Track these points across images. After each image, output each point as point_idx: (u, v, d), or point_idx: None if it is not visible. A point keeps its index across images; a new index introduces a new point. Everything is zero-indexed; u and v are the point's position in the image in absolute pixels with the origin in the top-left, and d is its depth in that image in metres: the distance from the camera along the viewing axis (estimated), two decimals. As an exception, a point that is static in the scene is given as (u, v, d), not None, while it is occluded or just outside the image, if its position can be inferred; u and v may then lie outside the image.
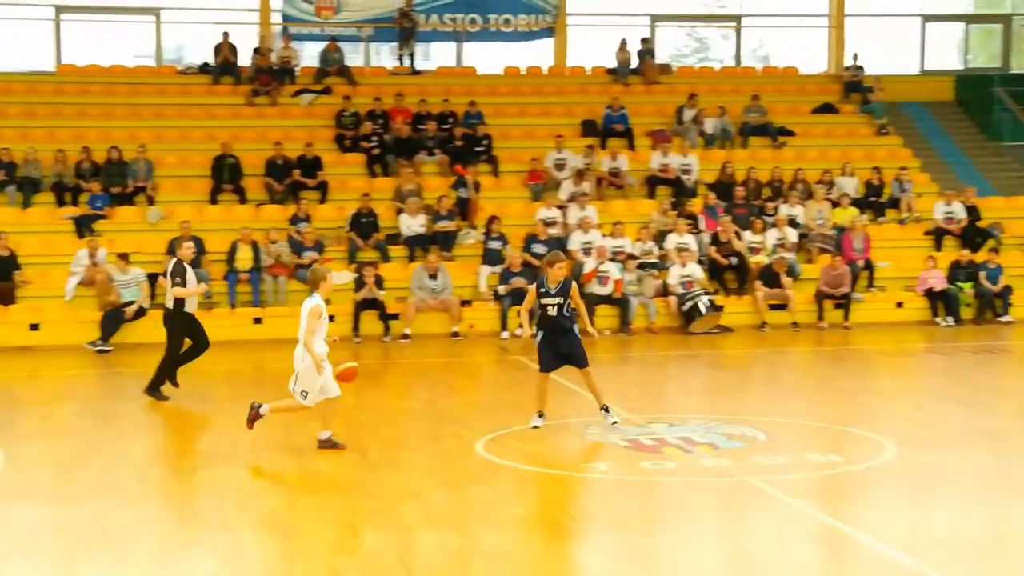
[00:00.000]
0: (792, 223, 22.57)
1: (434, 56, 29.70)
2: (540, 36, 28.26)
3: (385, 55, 28.70)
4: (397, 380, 16.51)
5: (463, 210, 22.46)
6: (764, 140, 25.77)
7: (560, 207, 22.55)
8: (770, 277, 21.08)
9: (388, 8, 27.22)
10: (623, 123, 25.29)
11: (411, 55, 27.33)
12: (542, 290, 11.81)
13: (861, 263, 21.88)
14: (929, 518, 8.94)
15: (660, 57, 28.87)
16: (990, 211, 23.68)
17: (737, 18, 30.14)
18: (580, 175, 23.16)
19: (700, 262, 21.51)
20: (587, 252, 21.29)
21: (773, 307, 21.00)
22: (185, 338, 13.84)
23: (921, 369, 17.54)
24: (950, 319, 21.05)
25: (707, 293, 20.65)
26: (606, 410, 11.82)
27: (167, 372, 13.85)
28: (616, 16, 29.51)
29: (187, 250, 13.85)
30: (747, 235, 22.06)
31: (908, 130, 27.19)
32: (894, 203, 23.89)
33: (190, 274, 13.70)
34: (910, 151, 26.04)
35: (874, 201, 23.89)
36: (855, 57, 27.82)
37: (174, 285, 13.52)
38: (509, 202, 23.23)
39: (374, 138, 24.05)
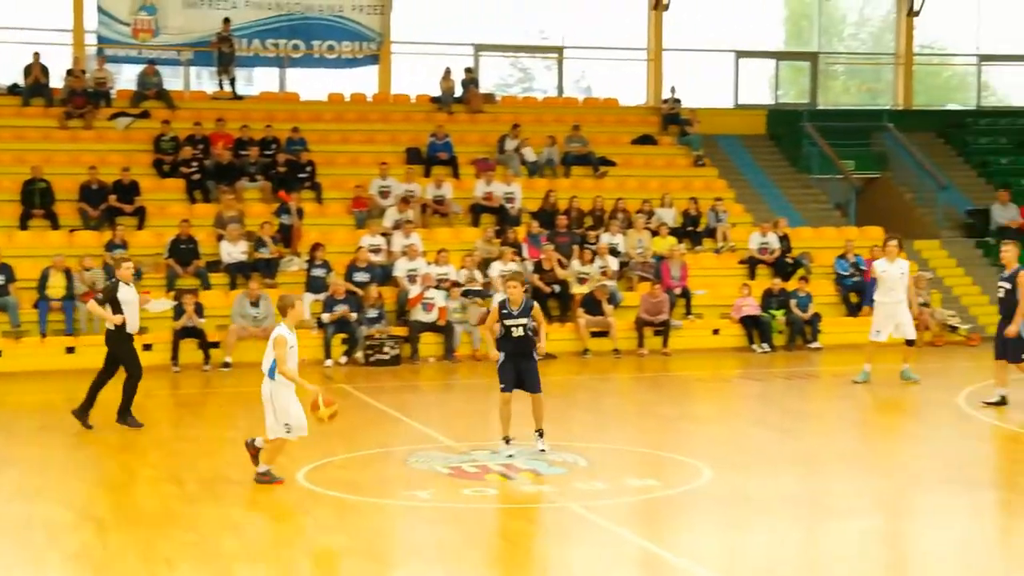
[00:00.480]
0: (613, 251, 23.00)
1: (256, 81, 29.31)
2: (364, 63, 28.20)
3: (206, 79, 28.20)
4: (217, 410, 16.17)
5: (286, 237, 22.19)
6: (586, 170, 26.22)
7: (384, 234, 22.49)
8: (592, 305, 21.41)
9: (207, 32, 26.76)
10: (447, 151, 25.40)
11: (232, 80, 26.91)
12: (504, 311, 11.80)
13: (679, 291, 22.43)
14: (744, 541, 9.19)
15: (484, 86, 29.13)
16: (800, 241, 24.55)
17: (559, 49, 30.64)
18: (405, 202, 23.16)
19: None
20: (412, 279, 21.28)
21: (595, 334, 21.33)
22: (120, 362, 13.70)
23: (736, 394, 18.04)
24: (764, 345, 21.73)
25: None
26: (540, 434, 11.87)
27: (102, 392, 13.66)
28: (440, 45, 29.67)
29: (126, 271, 13.88)
30: (575, 264, 22.37)
31: (723, 162, 28.03)
32: (710, 233, 24.57)
33: (123, 294, 13.60)
34: (725, 182, 26.84)
35: (691, 230, 24.52)
36: (673, 90, 28.58)
37: (95, 301, 13.88)
38: (333, 229, 23.05)
39: (194, 163, 23.57)
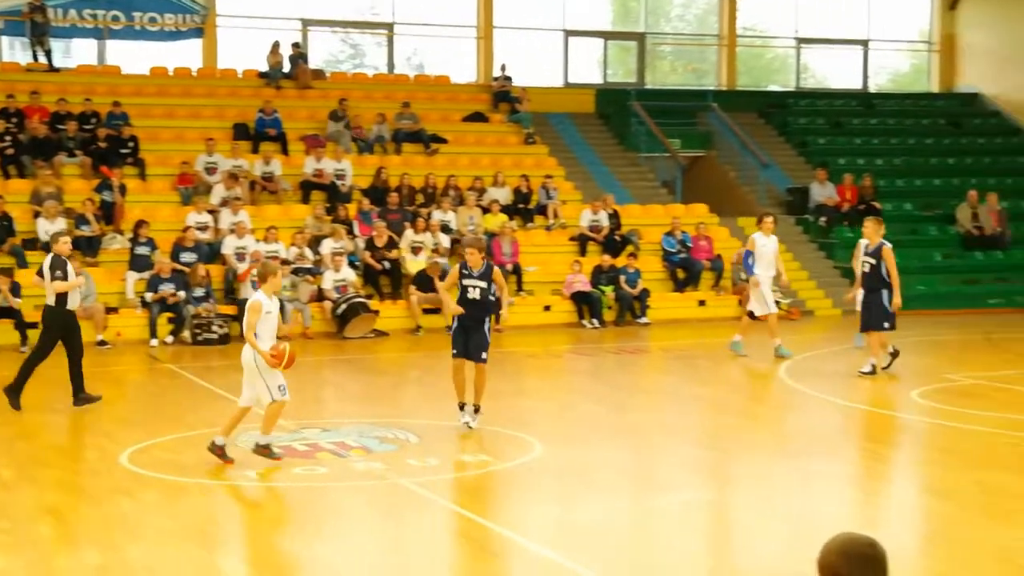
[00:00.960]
0: (445, 228, 22.97)
1: (75, 53, 28.27)
2: (188, 36, 27.43)
3: (20, 50, 27.06)
4: (37, 392, 15.54)
5: (108, 214, 21.50)
6: (417, 147, 26.10)
7: (212, 212, 21.98)
8: (424, 282, 21.35)
9: (18, 0, 25.64)
10: (276, 127, 24.95)
11: (47, 51, 25.86)
12: (464, 271, 11.84)
13: (510, 268, 22.53)
14: (573, 513, 9.27)
15: (313, 62, 28.70)
16: (628, 218, 24.93)
17: (389, 26, 30.38)
18: (232, 179, 22.67)
19: (355, 267, 21.53)
20: (240, 257, 20.86)
21: (427, 311, 21.28)
22: (58, 339, 13.29)
23: (567, 370, 18.23)
24: (595, 321, 22.01)
25: (360, 297, 20.69)
26: (477, 410, 11.96)
27: (27, 374, 13.27)
28: (268, 19, 29.11)
29: (63, 245, 13.47)
30: (408, 234, 22.26)
31: (553, 140, 28.25)
32: (541, 210, 24.75)
33: (69, 268, 13.27)
34: (555, 160, 27.06)
35: (522, 208, 24.67)
36: (503, 68, 28.66)
37: (54, 279, 13.09)
38: (157, 206, 22.42)
39: (7, 138, 22.60)
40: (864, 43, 33.94)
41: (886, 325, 15.43)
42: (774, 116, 31.19)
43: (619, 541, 8.58)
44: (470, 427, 11.87)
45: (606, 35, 32.20)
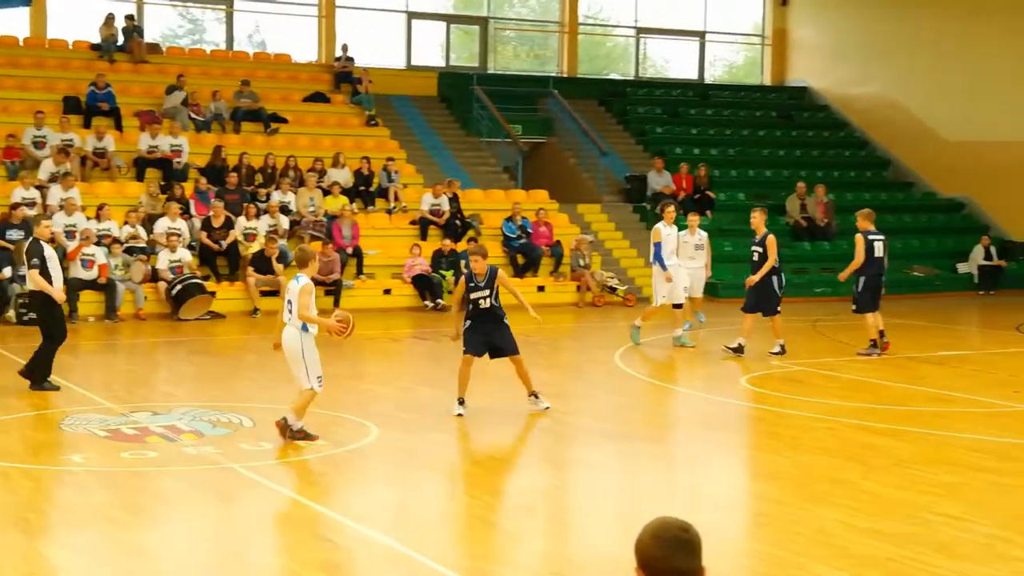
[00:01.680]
0: (284, 210, 22.68)
1: None
2: (15, 4, 26.36)
3: None
4: None
5: (-73, 188, 20.63)
6: (257, 126, 25.70)
7: (40, 187, 21.26)
8: (262, 263, 21.05)
9: None
10: (109, 102, 24.25)
11: None
12: (471, 284, 11.93)
13: (350, 250, 22.39)
14: (408, 497, 9.29)
15: (149, 36, 27.98)
16: (470, 203, 25.02)
17: (229, 1, 29.79)
18: (63, 153, 21.96)
19: (191, 247, 21.11)
20: (70, 235, 20.24)
21: (265, 293, 21.00)
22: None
23: (407, 353, 18.21)
24: (438, 302, 22.05)
25: (196, 278, 20.30)
26: (535, 396, 12.16)
27: (48, 359, 12.86)
28: (102, -10, 28.26)
29: (45, 228, 13.12)
30: (241, 221, 21.90)
31: (395, 122, 28.14)
32: (382, 193, 24.65)
33: (48, 252, 12.78)
34: (397, 143, 26.96)
35: (363, 190, 24.52)
36: (345, 48, 28.40)
37: (31, 267, 12.62)
38: (-19, 181, 21.62)
39: None
40: (701, 35, 34.69)
41: (779, 309, 16.50)
42: (614, 104, 31.65)
43: (454, 525, 8.63)
44: (547, 407, 12.20)
45: (449, 18, 32.18)
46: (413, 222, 24.09)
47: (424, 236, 23.75)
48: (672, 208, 17.54)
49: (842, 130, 32.95)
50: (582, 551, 8.10)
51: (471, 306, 12.08)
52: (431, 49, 31.85)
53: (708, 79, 35.06)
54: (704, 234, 18.76)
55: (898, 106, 31.30)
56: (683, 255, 17.83)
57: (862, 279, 16.68)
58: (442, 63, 31.71)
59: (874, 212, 17.44)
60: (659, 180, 27.53)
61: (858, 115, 32.76)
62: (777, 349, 16.40)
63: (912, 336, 19.27)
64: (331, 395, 13.67)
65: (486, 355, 12.18)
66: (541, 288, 23.59)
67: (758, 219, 16.62)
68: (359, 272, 22.48)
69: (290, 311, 10.30)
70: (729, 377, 15.02)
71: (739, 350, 16.29)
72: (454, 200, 24.42)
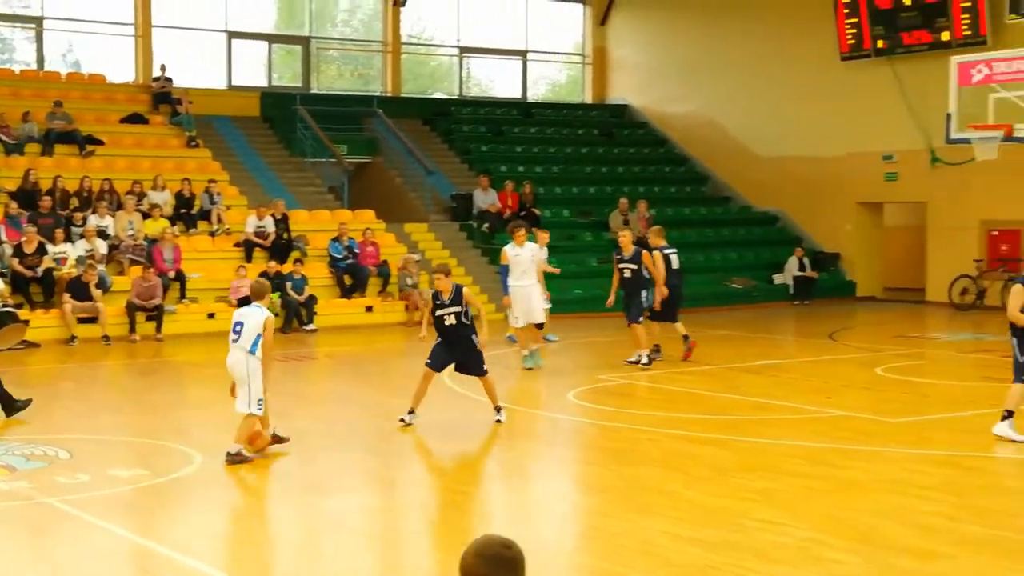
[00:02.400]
0: (102, 234, 22.07)
1: None
2: None
3: None
4: None
5: None
6: (71, 148, 24.94)
7: None
8: (79, 289, 20.43)
9: None
10: (-89, 125, 23.22)
11: None
12: (436, 302, 12.28)
13: (172, 274, 21.91)
14: (235, 525, 9.13)
15: (-46, 56, 26.93)
16: (295, 224, 24.75)
17: (39, 20, 28.87)
18: None
19: (2, 275, 20.34)
20: None
21: (83, 320, 20.38)
22: None
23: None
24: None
25: (8, 306, 19.56)
26: (497, 410, 12.63)
27: None
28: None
29: None
30: (49, 247, 21.19)
31: (217, 143, 27.68)
32: (205, 215, 24.19)
33: None
34: (219, 164, 26.51)
35: (185, 213, 24.03)
36: (163, 68, 27.82)
37: None
38: None
39: None
40: (523, 54, 35.11)
41: (640, 319, 17.11)
42: (438, 123, 31.78)
43: (282, 551, 8.51)
44: (500, 421, 12.60)
45: (270, 38, 31.82)
46: (237, 244, 23.71)
47: (249, 258, 23.39)
48: (522, 231, 17.29)
49: (662, 147, 33.76)
50: (410, 570, 8.09)
51: (437, 324, 12.45)
52: (252, 69, 31.43)
53: (531, 97, 35.49)
54: (546, 250, 19.32)
55: (715, 124, 32.24)
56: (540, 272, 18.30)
57: (648, 292, 17.46)
58: (264, 83, 31.33)
59: (664, 228, 18.54)
60: (485, 198, 27.73)
61: (677, 132, 33.62)
62: (636, 358, 16.95)
63: (732, 346, 19.83)
64: (152, 422, 13.38)
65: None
66: (369, 308, 23.50)
67: (627, 239, 17.24)
68: (182, 296, 22.00)
69: (238, 336, 10.68)
70: (556, 392, 15.20)
71: (653, 355, 17.13)
72: (282, 221, 24.12)
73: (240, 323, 10.77)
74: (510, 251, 17.22)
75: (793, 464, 10.79)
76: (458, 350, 12.50)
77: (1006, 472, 10.58)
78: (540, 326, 17.71)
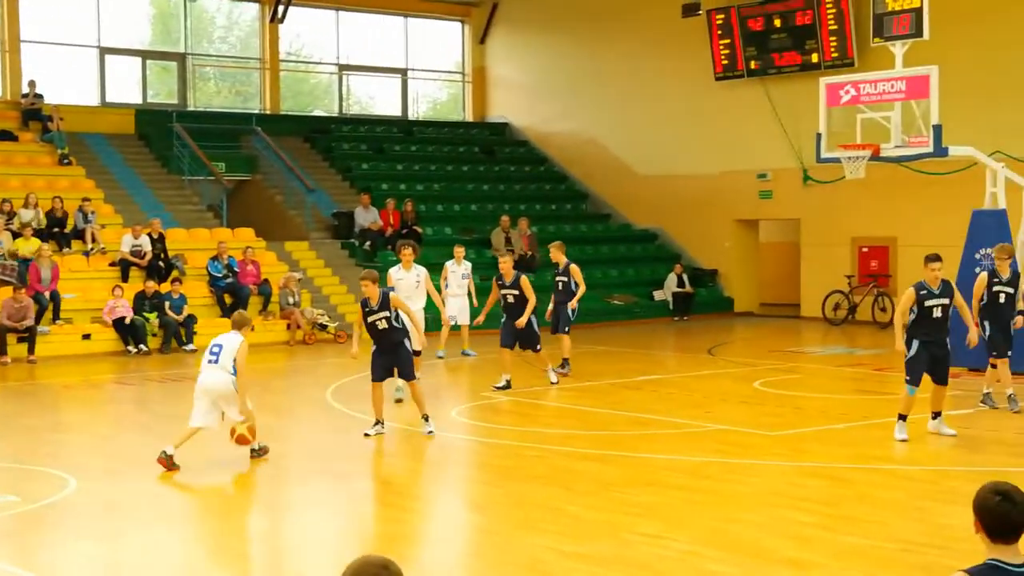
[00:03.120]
0: (-30, 254, 21.45)
1: None
2: None
3: None
4: None
5: None
6: (-63, 166, 24.23)
7: None
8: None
9: None
10: None
11: None
12: (365, 309, 12.63)
13: (46, 295, 21.39)
14: (113, 550, 8.94)
15: None
16: (173, 243, 24.37)
17: (-96, 34, 28.00)
18: None
19: None
20: None
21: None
22: None
23: (108, 400, 17.54)
24: (141, 347, 21.33)
25: None
26: (426, 419, 12.96)
27: None
28: None
29: None
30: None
31: (90, 161, 27.12)
32: (78, 234, 23.67)
33: None
34: (93, 182, 25.98)
35: (58, 232, 23.48)
36: (32, 84, 27.18)
37: None
38: None
39: None
40: (403, 72, 35.11)
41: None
42: (319, 141, 31.60)
43: (178, 571, 8.36)
44: (431, 432, 12.98)
45: (145, 54, 31.28)
46: (113, 264, 23.25)
47: (125, 278, 22.95)
48: (409, 250, 16.30)
49: (542, 165, 34.03)
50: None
51: (370, 330, 12.77)
52: (127, 86, 30.85)
53: (412, 116, 35.48)
54: (469, 264, 19.54)
55: (594, 142, 32.61)
56: (452, 285, 19.02)
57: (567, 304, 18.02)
58: (139, 100, 30.79)
59: (563, 244, 19.15)
60: (366, 216, 27.63)
61: (557, 150, 33.93)
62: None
63: (613, 362, 20.06)
64: (24, 447, 13.03)
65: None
66: (251, 328, 23.17)
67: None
68: (55, 317, 21.48)
69: (216, 357, 11.63)
70: (440, 409, 15.17)
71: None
72: (159, 240, 23.72)
73: (219, 346, 11.72)
74: (394, 274, 16.26)
75: (674, 478, 10.96)
76: (392, 355, 12.84)
77: (879, 483, 10.89)
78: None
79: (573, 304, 18.10)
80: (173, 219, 26.03)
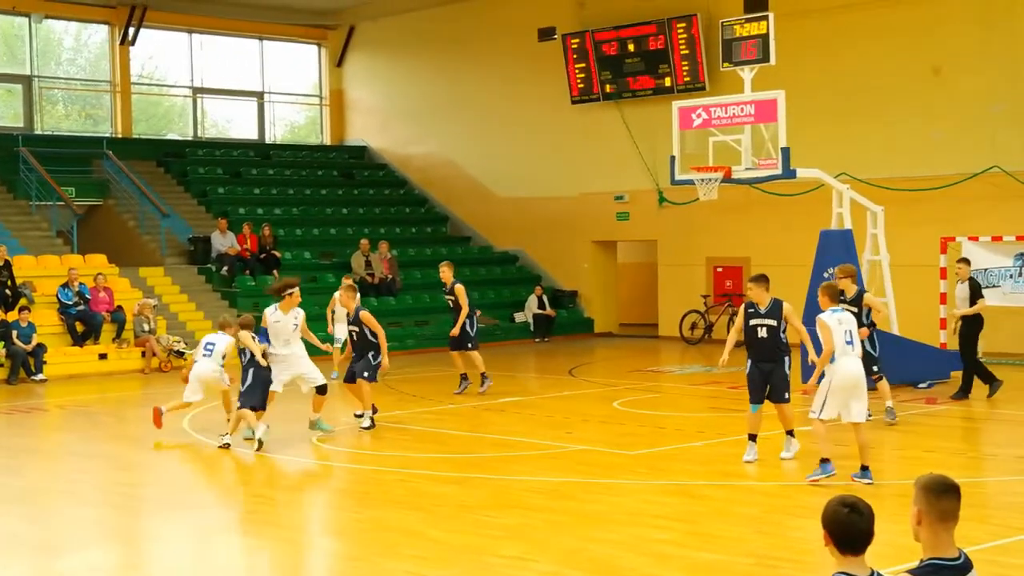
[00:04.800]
0: None
1: None
2: None
3: None
4: None
5: None
6: None
7: None
8: None
9: None
10: None
11: None
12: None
13: None
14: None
15: None
16: (21, 270, 23.65)
17: None
18: None
19: None
20: None
21: None
22: None
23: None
24: None
25: None
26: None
27: None
28: None
29: None
30: None
31: (-67, 186, 26.17)
32: (-81, 262, 22.80)
33: None
34: (-65, 208, 25.07)
35: None
36: None
37: None
38: None
39: None
40: (260, 95, 34.74)
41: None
42: (173, 165, 31.05)
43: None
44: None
45: (-11, 77, 30.35)
46: (-45, 293, 22.45)
47: (-30, 308, 22.18)
48: (294, 291, 14.56)
49: (402, 188, 33.99)
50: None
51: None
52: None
53: (269, 139, 35.11)
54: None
55: (453, 164, 32.70)
56: (340, 312, 19.12)
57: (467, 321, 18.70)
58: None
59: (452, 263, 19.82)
60: (223, 241, 27.22)
61: (417, 173, 33.93)
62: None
63: (476, 385, 20.06)
64: None
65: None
66: (103, 356, 22.65)
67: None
68: None
69: (210, 353, 14.16)
70: (298, 437, 14.98)
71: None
72: (5, 267, 22.99)
73: (212, 344, 14.24)
74: (270, 316, 14.45)
75: (536, 499, 11.02)
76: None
77: (736, 499, 11.12)
78: (321, 389, 14.89)
79: (455, 331, 18.65)
80: (20, 245, 25.24)
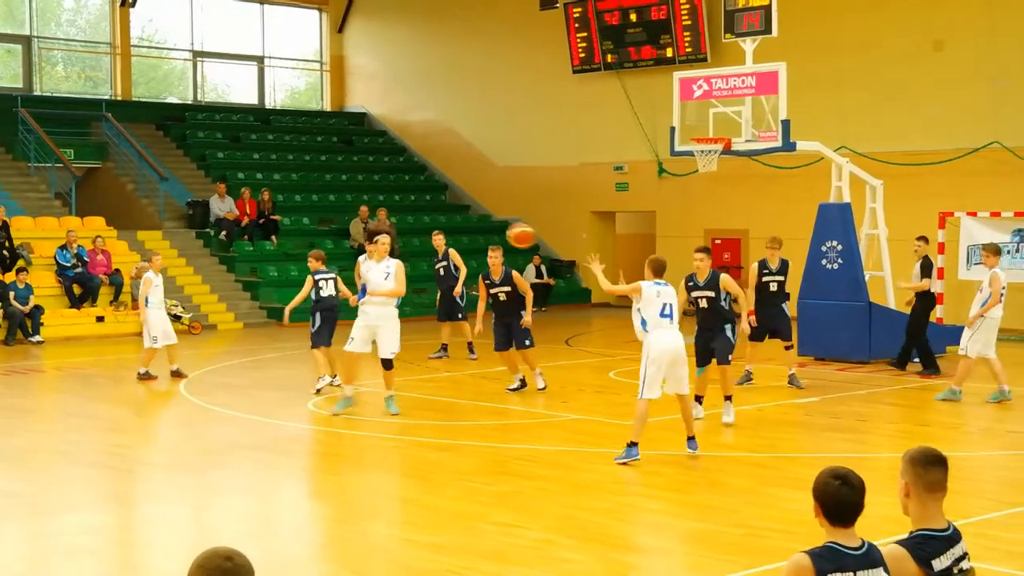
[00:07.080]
0: None
1: None
2: None
3: None
4: None
5: None
6: None
7: None
8: None
9: None
10: None
11: None
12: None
13: None
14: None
15: None
16: (19, 232, 23.64)
17: None
18: None
19: None
20: None
21: None
22: None
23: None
24: (-21, 341, 20.69)
25: None
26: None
27: None
28: None
29: None
30: None
31: (-69, 146, 26.13)
32: (-83, 222, 22.79)
33: None
34: (-67, 168, 25.04)
35: None
36: None
37: None
38: None
39: None
40: (260, 59, 34.61)
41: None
42: (172, 129, 30.97)
43: (14, 572, 8.13)
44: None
45: (-12, 37, 30.24)
46: (-46, 253, 22.45)
47: (-33, 268, 22.20)
48: (377, 240, 13.76)
49: (401, 155, 33.91)
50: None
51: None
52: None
53: (269, 104, 35.00)
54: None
55: (453, 132, 32.63)
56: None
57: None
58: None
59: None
60: (222, 206, 27.20)
61: (416, 140, 33.85)
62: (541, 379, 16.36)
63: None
64: None
65: None
66: (101, 319, 22.68)
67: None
68: None
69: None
70: (294, 401, 15.03)
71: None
72: (3, 228, 22.98)
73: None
74: (362, 264, 14.30)
75: (529, 467, 11.06)
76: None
77: (728, 470, 11.16)
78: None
79: (458, 291, 18.94)
80: (19, 207, 25.23)
